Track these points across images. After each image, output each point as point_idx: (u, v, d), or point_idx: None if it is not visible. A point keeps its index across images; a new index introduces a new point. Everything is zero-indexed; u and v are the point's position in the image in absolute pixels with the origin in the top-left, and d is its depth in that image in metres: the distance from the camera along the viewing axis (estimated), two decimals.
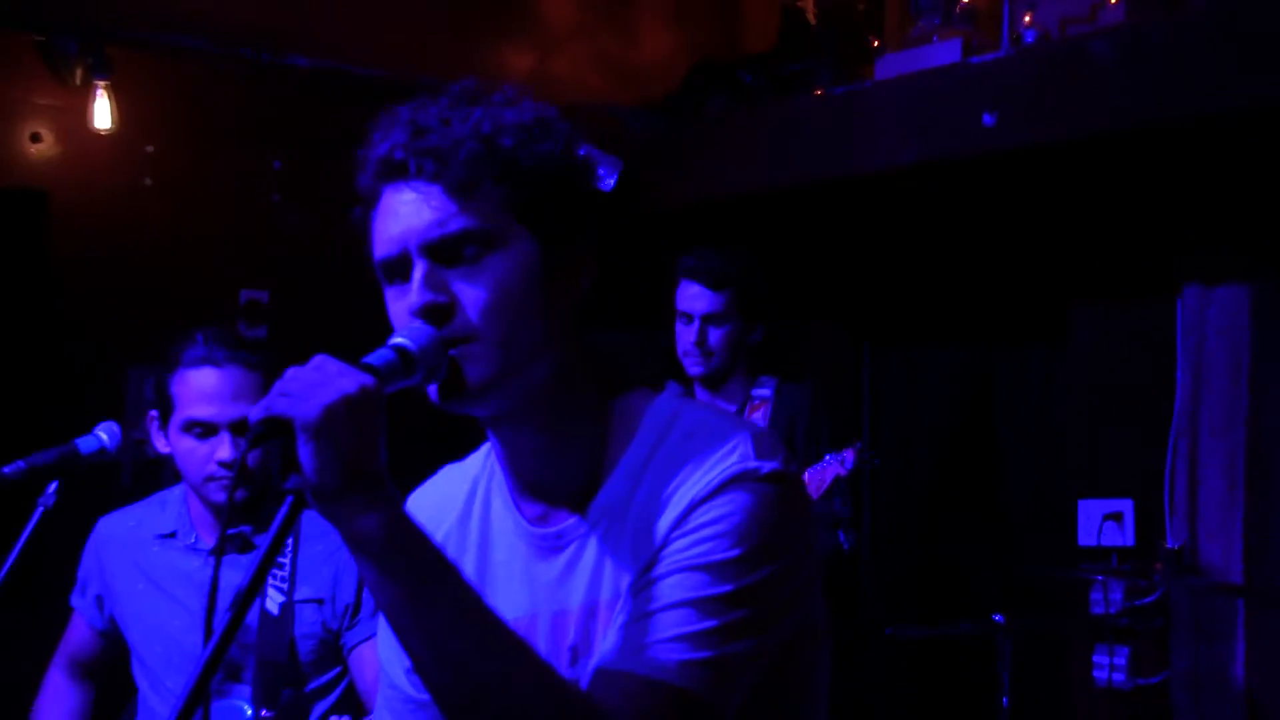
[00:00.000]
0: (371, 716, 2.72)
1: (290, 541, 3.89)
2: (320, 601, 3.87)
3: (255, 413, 1.87)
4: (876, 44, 6.21)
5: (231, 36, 5.58)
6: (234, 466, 3.71)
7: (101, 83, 5.31)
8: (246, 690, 3.83)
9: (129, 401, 5.50)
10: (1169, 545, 6.04)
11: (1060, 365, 6.57)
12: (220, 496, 3.78)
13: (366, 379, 1.89)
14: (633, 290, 2.65)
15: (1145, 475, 6.16)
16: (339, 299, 3.97)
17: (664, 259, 4.90)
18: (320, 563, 3.88)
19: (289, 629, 3.87)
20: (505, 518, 2.29)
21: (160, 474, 4.95)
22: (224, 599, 3.67)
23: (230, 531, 3.87)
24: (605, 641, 2.14)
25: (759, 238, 5.13)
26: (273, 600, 3.83)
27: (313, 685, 3.91)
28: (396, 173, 2.10)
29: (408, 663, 2.28)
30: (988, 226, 6.41)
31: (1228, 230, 6.07)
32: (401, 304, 2.08)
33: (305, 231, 5.70)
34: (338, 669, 3.93)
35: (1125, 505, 6.14)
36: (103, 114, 5.33)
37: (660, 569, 2.07)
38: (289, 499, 1.91)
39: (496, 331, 2.06)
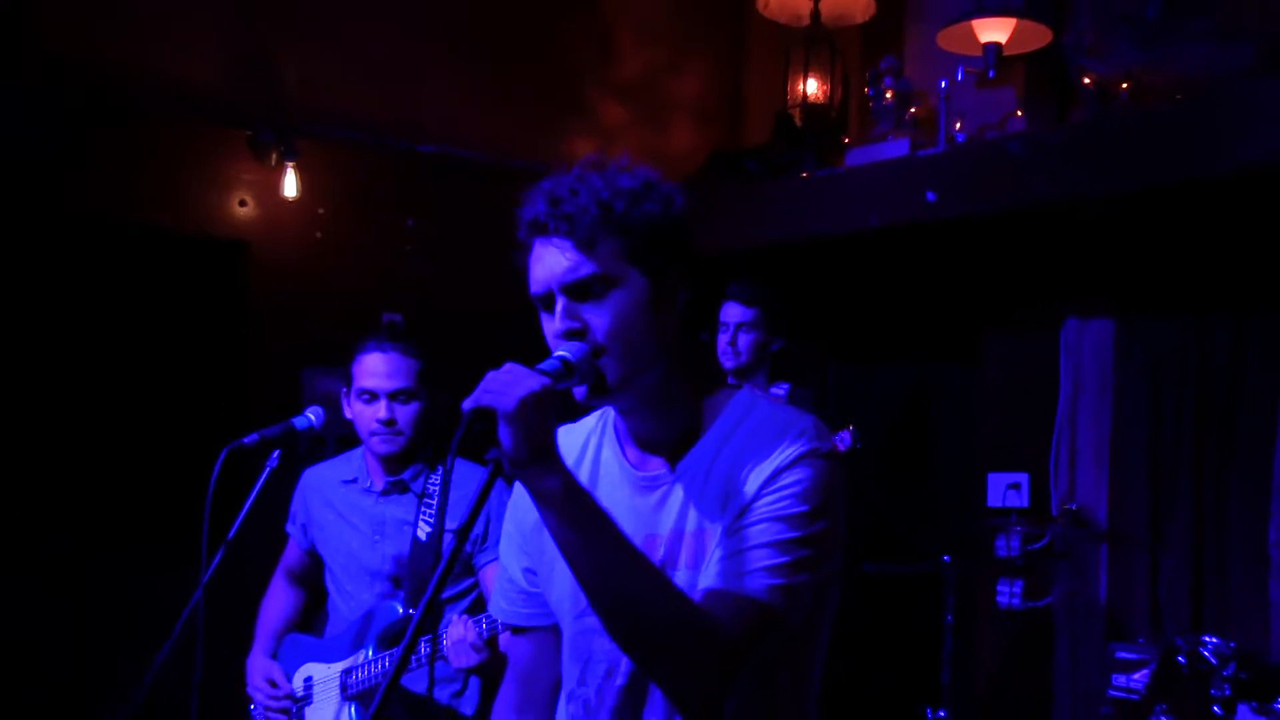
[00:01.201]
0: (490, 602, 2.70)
1: (437, 489, 3.95)
2: (456, 530, 3.83)
3: (467, 404, 1.94)
4: (846, 141, 6.29)
5: (379, 130, 5.66)
6: (390, 425, 3.83)
7: (290, 163, 5.40)
8: (402, 595, 3.89)
9: (304, 394, 5.51)
10: (1054, 506, 6.10)
11: (976, 378, 6.58)
12: (382, 449, 3.87)
13: (544, 380, 1.96)
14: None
15: (1037, 456, 6.21)
16: (452, 319, 4.07)
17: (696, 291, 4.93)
18: (459, 502, 3.78)
19: (436, 549, 3.84)
20: (613, 464, 2.33)
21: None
22: (394, 531, 3.86)
23: (392, 479, 3.94)
24: (707, 569, 2.18)
25: (762, 279, 5.18)
26: (422, 530, 3.90)
27: (450, 593, 3.95)
28: (540, 230, 2.14)
29: (526, 562, 2.43)
30: (926, 274, 6.44)
31: (1098, 280, 6.08)
32: (549, 326, 2.16)
33: (429, 271, 5.80)
34: (470, 581, 3.96)
35: (1022, 478, 6.20)
36: (290, 185, 5.42)
37: (749, 518, 2.12)
38: (489, 466, 1.96)
39: (618, 347, 2.12)
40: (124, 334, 5.15)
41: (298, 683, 4.00)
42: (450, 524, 3.87)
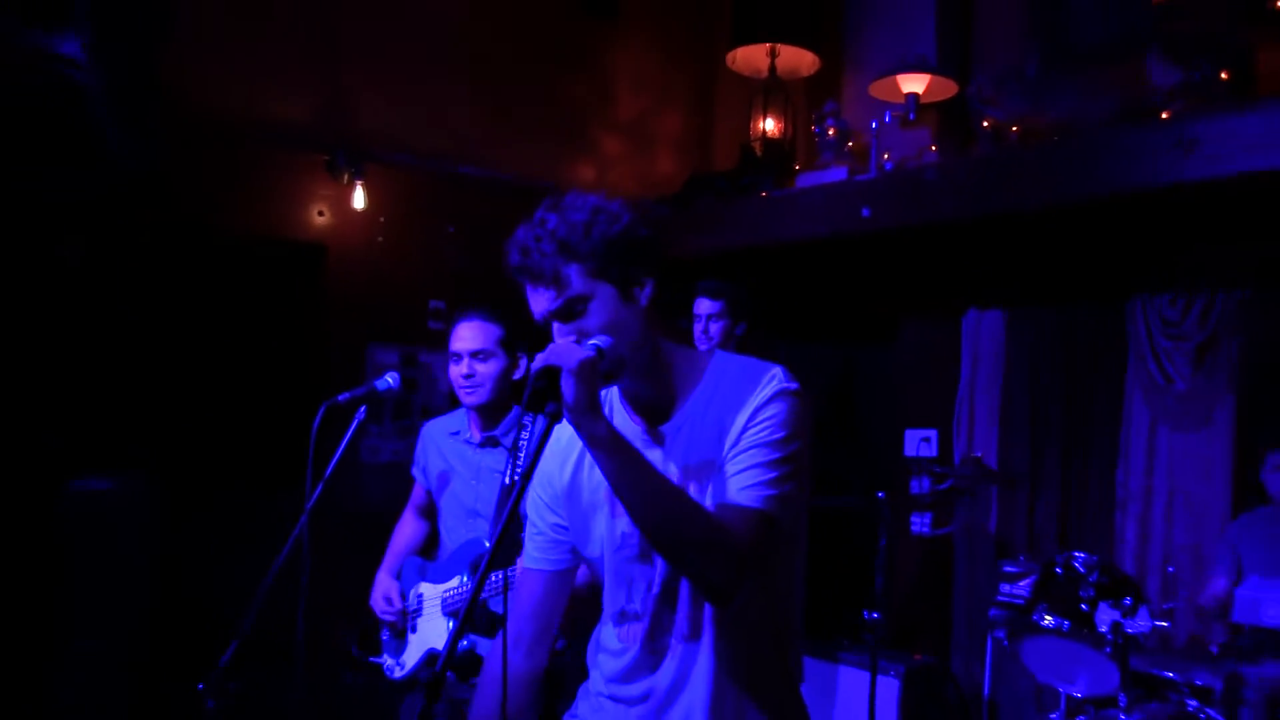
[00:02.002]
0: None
1: (524, 442, 3.78)
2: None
3: (536, 363, 2.00)
4: (797, 167, 6.30)
5: (428, 156, 5.72)
6: (470, 378, 3.74)
7: (359, 181, 5.45)
8: (491, 530, 3.80)
9: (368, 364, 5.55)
10: (956, 456, 6.25)
11: (896, 355, 6.67)
12: (468, 400, 3.79)
13: (593, 351, 2.05)
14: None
15: (943, 416, 6.33)
16: (484, 302, 4.08)
17: (675, 289, 4.90)
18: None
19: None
20: (626, 425, 2.30)
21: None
22: (488, 477, 3.82)
23: (487, 434, 3.86)
24: (711, 492, 2.20)
25: (728, 277, 5.10)
26: (510, 476, 3.80)
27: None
28: (520, 273, 2.16)
29: (554, 519, 2.41)
30: (859, 274, 6.50)
31: (992, 280, 6.18)
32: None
33: (466, 267, 5.76)
34: None
35: (932, 433, 6.33)
36: (358, 199, 5.47)
37: (740, 446, 2.16)
38: (545, 421, 2.02)
39: (616, 335, 2.14)
40: (230, 318, 5.17)
41: (412, 597, 3.94)
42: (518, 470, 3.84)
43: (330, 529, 3.62)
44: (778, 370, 2.24)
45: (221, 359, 5.17)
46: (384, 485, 4.60)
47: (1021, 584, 5.21)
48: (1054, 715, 4.43)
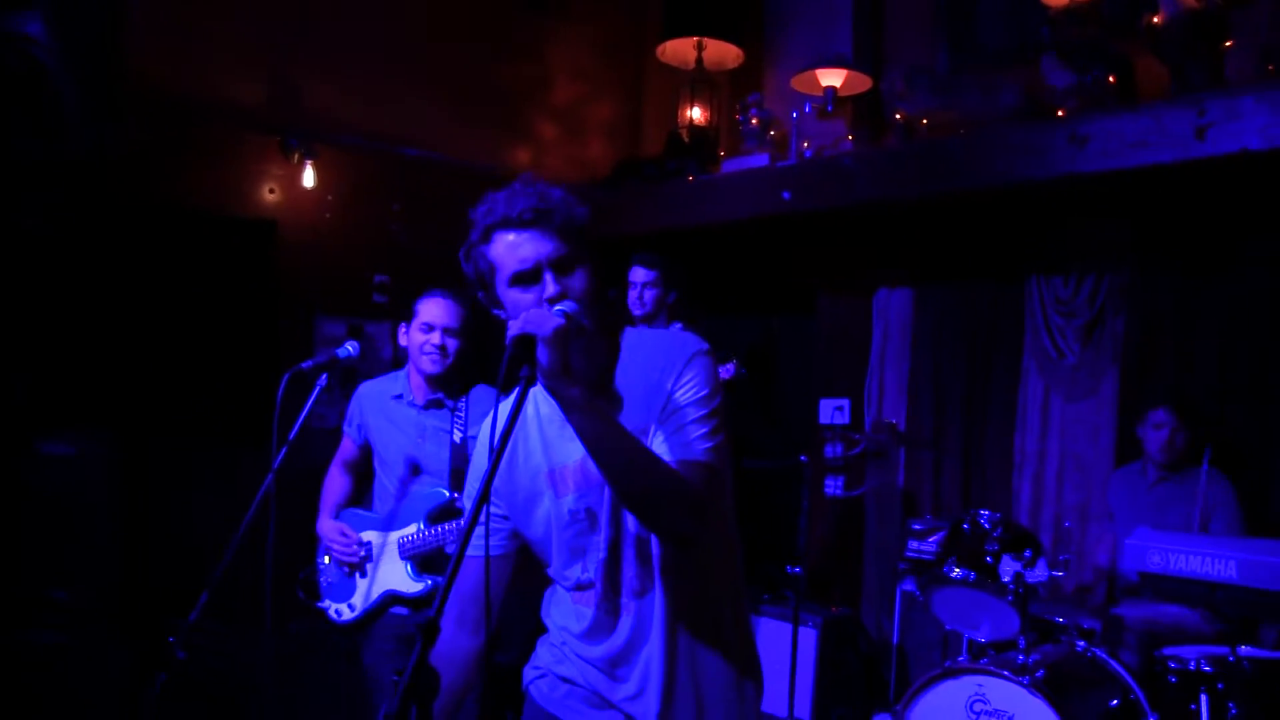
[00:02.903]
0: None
1: (465, 405, 3.96)
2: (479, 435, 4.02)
3: (512, 331, 2.01)
4: (721, 154, 6.36)
5: (375, 138, 5.72)
6: (441, 350, 3.82)
7: (309, 161, 5.46)
8: (444, 483, 3.88)
9: (315, 334, 5.57)
10: (867, 423, 6.38)
11: (813, 328, 6.72)
12: (431, 369, 3.85)
13: (563, 319, 2.05)
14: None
15: (855, 386, 6.44)
16: (425, 277, 4.07)
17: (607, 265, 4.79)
18: (481, 416, 3.80)
19: (465, 449, 3.88)
20: (554, 407, 2.26)
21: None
22: (433, 435, 3.89)
23: (432, 397, 3.92)
24: (657, 450, 2.22)
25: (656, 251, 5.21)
26: (457, 434, 3.91)
27: None
28: (520, 224, 2.17)
29: (502, 510, 2.41)
30: (779, 252, 6.60)
31: (901, 259, 6.29)
32: (530, 295, 2.18)
33: (408, 243, 5.86)
34: None
35: (845, 402, 6.33)
36: (308, 178, 5.47)
37: (673, 404, 2.22)
38: (521, 385, 2.02)
39: (590, 304, 2.18)
40: (187, 289, 5.15)
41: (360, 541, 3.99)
42: (474, 430, 3.86)
43: (279, 490, 3.63)
44: (690, 336, 2.33)
45: (179, 328, 5.15)
46: (330, 449, 4.58)
47: (929, 540, 5.42)
48: (961, 658, 4.62)
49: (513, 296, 2.20)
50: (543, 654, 2.50)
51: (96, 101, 4.72)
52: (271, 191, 5.48)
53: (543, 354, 2.00)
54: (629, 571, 2.32)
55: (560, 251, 2.18)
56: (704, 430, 2.21)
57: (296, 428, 3.63)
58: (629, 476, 2.13)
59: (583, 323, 2.15)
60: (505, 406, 1.99)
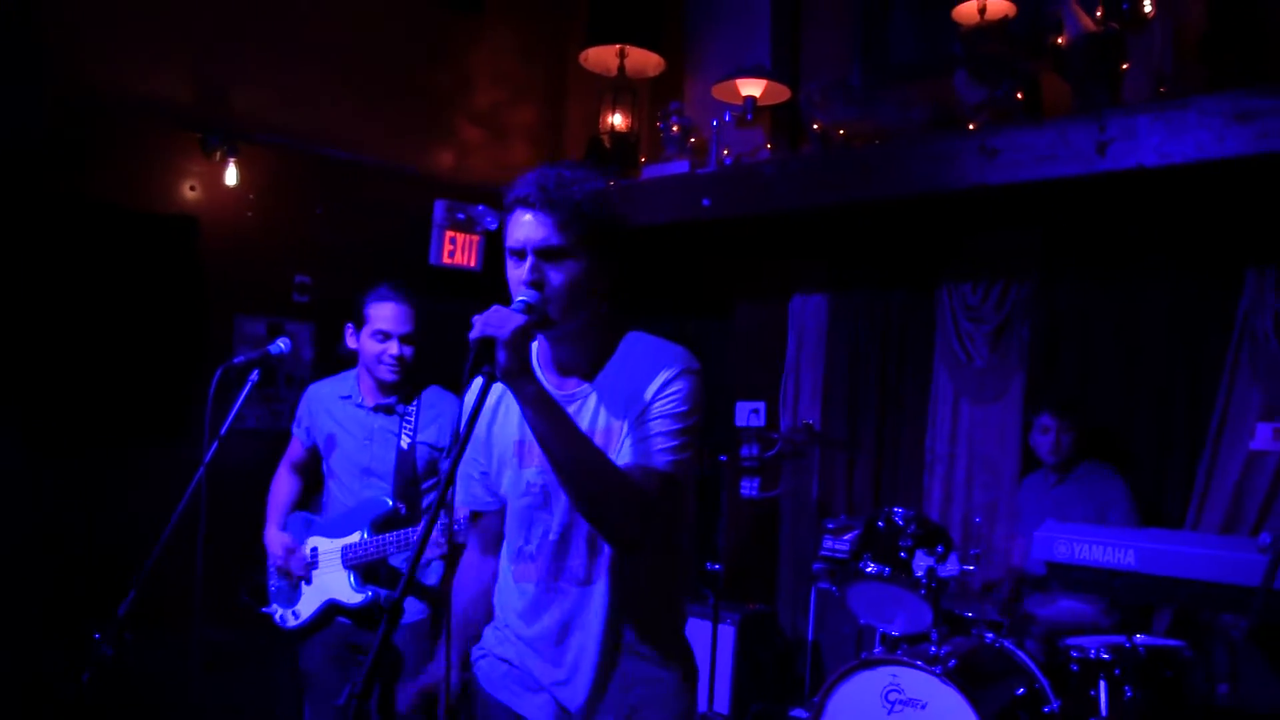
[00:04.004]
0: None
1: (416, 409, 3.94)
2: (431, 442, 3.91)
3: (473, 335, 2.09)
4: (643, 160, 6.42)
5: (298, 137, 5.70)
6: (400, 359, 3.82)
7: (232, 159, 5.41)
8: (390, 488, 3.88)
9: (235, 333, 5.52)
10: (783, 425, 6.47)
11: (730, 332, 6.84)
12: (389, 377, 3.85)
13: (525, 317, 2.14)
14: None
15: (771, 390, 6.57)
16: (346, 278, 4.12)
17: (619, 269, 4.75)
18: (432, 421, 3.91)
19: (413, 455, 3.89)
20: (544, 382, 2.34)
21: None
22: (380, 438, 3.92)
23: (382, 401, 3.92)
24: (622, 452, 2.32)
25: None
26: (405, 440, 3.89)
27: (424, 487, 3.93)
28: (528, 203, 2.26)
29: (482, 467, 2.53)
30: (697, 257, 6.71)
31: (817, 266, 6.43)
32: (517, 273, 2.28)
33: (331, 243, 5.83)
34: (433, 480, 3.94)
35: (761, 405, 6.55)
36: (230, 176, 5.42)
37: (649, 414, 2.30)
38: (484, 380, 2.11)
39: (562, 298, 2.26)
40: (105, 286, 5.09)
41: (306, 550, 3.98)
42: (425, 436, 3.91)
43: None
44: (684, 351, 2.39)
45: (97, 325, 5.11)
46: (248, 450, 4.49)
47: (844, 538, 5.61)
48: (876, 650, 4.80)
49: (508, 264, 2.31)
50: (488, 637, 2.60)
51: (10, 93, 4.73)
52: (193, 189, 5.44)
53: (501, 355, 2.08)
54: (576, 560, 2.41)
55: (551, 241, 2.25)
56: (671, 444, 2.30)
57: (228, 423, 3.62)
58: (578, 476, 2.22)
59: (547, 313, 2.25)
60: (471, 397, 2.14)
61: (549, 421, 2.18)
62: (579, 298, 2.30)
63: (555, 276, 2.27)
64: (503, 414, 2.51)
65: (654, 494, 2.26)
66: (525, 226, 2.27)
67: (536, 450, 2.37)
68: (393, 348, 3.87)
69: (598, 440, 2.35)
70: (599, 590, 2.40)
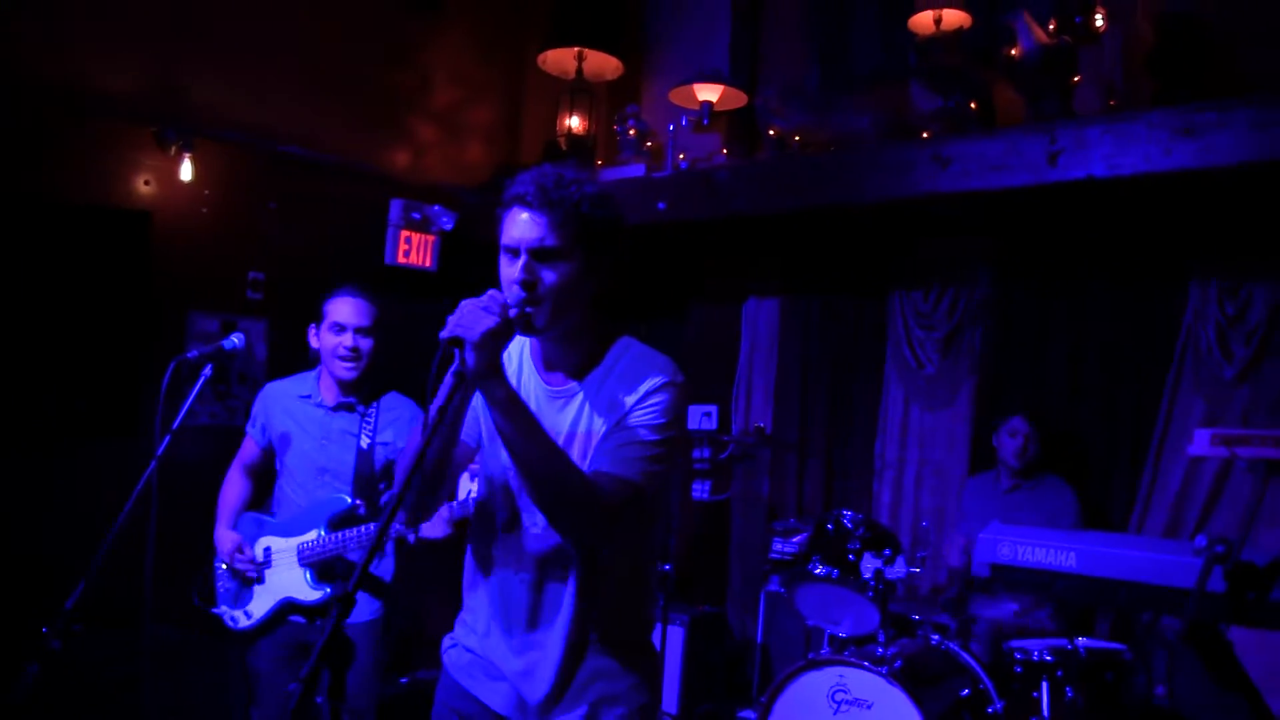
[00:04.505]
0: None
1: (375, 411, 3.96)
2: (389, 443, 3.93)
3: (443, 334, 2.10)
4: (599, 163, 6.42)
5: (254, 133, 5.68)
6: (355, 352, 3.85)
7: (186, 154, 5.37)
8: (347, 488, 3.90)
9: (188, 329, 5.49)
10: (734, 428, 6.51)
11: (683, 335, 6.89)
12: (346, 374, 3.88)
13: (497, 319, 2.13)
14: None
15: (723, 393, 6.63)
16: (300, 276, 4.10)
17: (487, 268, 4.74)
18: (390, 423, 3.93)
19: (372, 456, 3.91)
20: (531, 380, 2.45)
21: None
22: (339, 439, 3.93)
23: (343, 400, 3.94)
24: (591, 455, 2.34)
25: None
26: (365, 440, 3.92)
27: (381, 487, 3.95)
28: (525, 202, 2.25)
29: (479, 436, 2.52)
30: (654, 259, 6.66)
31: (771, 270, 6.48)
32: (509, 270, 2.27)
33: (286, 241, 5.82)
34: (387, 481, 3.95)
35: (713, 408, 6.57)
36: (185, 171, 5.39)
37: (627, 422, 2.31)
38: (453, 382, 2.14)
39: (554, 300, 2.27)
40: (56, 281, 5.08)
41: (258, 550, 3.98)
42: (384, 437, 3.94)
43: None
44: (669, 363, 2.41)
45: (48, 320, 5.08)
46: (199, 447, 4.53)
47: (793, 540, 5.68)
48: (823, 650, 4.86)
49: (501, 261, 2.31)
50: (458, 628, 2.63)
51: None
52: (147, 183, 5.41)
53: (469, 357, 2.10)
54: (546, 553, 2.43)
55: (544, 241, 2.25)
56: (645, 454, 2.30)
57: (180, 417, 3.60)
58: (541, 480, 2.24)
59: (531, 319, 2.26)
60: (448, 396, 2.16)
61: (516, 425, 2.20)
62: (570, 299, 2.31)
63: (547, 276, 2.27)
64: None
65: (617, 501, 2.27)
66: (521, 225, 2.27)
67: None
68: (347, 339, 3.89)
69: (579, 441, 2.38)
70: (567, 585, 2.42)
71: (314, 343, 4.00)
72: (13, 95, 4.87)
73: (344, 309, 3.91)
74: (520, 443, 2.21)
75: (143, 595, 3.65)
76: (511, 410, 2.19)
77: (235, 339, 3.84)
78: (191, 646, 4.63)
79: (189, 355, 3.73)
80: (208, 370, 3.75)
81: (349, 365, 3.91)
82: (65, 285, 5.16)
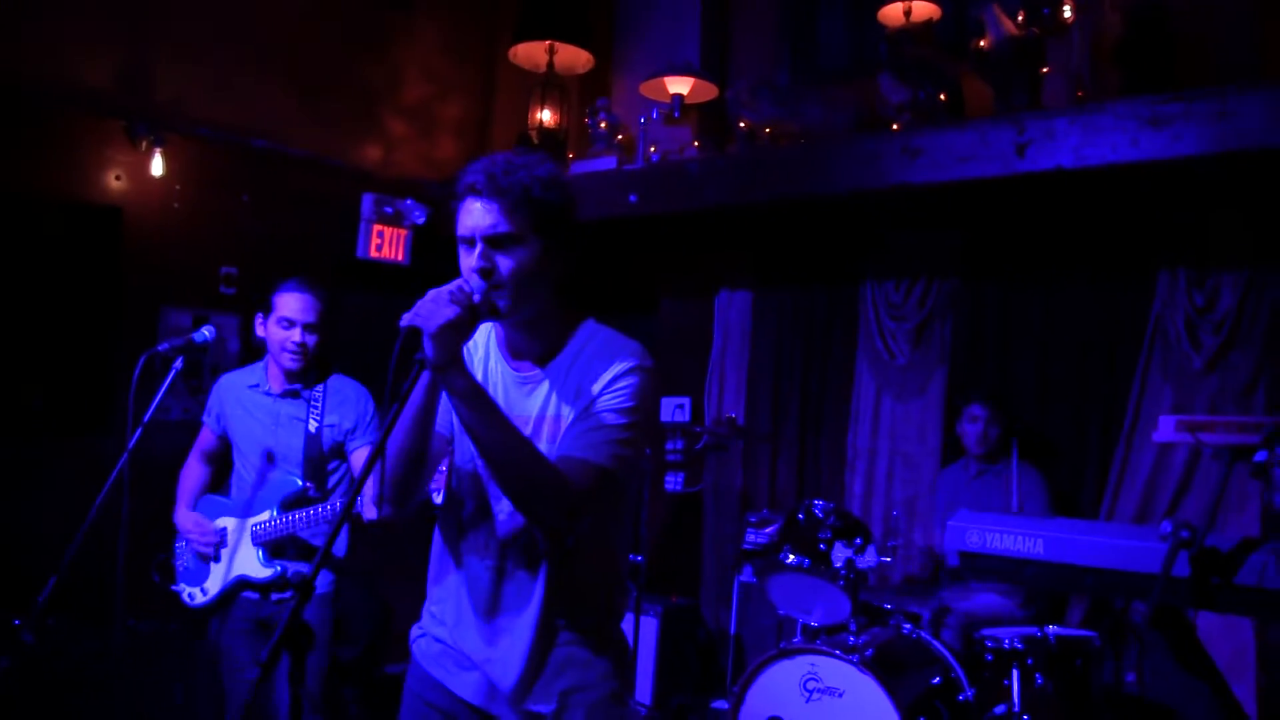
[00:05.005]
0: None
1: (321, 394, 4.03)
2: (336, 425, 4.00)
3: (403, 322, 2.10)
4: (571, 156, 6.43)
5: (225, 129, 5.68)
6: (302, 347, 3.91)
7: (158, 149, 5.38)
8: (298, 471, 3.96)
9: (160, 324, 5.48)
10: (707, 419, 6.59)
11: (655, 328, 6.92)
12: (291, 365, 3.95)
13: (457, 310, 2.13)
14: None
15: (696, 386, 6.67)
16: (273, 270, 4.12)
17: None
18: (336, 406, 4.00)
19: (320, 439, 3.98)
20: (498, 366, 2.46)
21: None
22: (286, 423, 4.02)
23: (288, 387, 4.01)
24: (559, 440, 2.34)
25: None
26: (313, 424, 3.99)
27: (329, 468, 4.04)
28: (475, 191, 2.26)
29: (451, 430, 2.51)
30: (625, 252, 6.75)
31: (743, 263, 6.52)
32: (467, 260, 2.28)
33: (258, 235, 5.82)
34: (341, 463, 4.06)
35: (686, 401, 6.65)
36: (156, 166, 5.39)
37: (595, 407, 2.31)
38: (414, 369, 2.13)
39: (514, 285, 2.27)
40: (26, 276, 5.08)
41: (214, 529, 4.06)
42: (331, 419, 4.02)
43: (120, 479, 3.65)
44: (638, 348, 2.40)
45: (17, 316, 5.08)
46: (172, 441, 4.50)
47: (766, 530, 5.68)
48: (795, 640, 4.89)
49: (460, 252, 2.32)
50: (425, 618, 2.64)
51: None
52: (118, 178, 5.40)
53: (428, 347, 2.11)
54: (514, 539, 2.44)
55: (499, 228, 2.26)
56: (613, 437, 2.30)
57: (152, 409, 3.67)
58: (506, 468, 2.25)
59: (494, 302, 2.26)
60: (410, 383, 2.16)
61: (478, 415, 2.20)
62: (530, 284, 2.31)
63: (505, 263, 2.28)
64: (479, 374, 2.52)
65: (584, 486, 2.27)
66: (474, 214, 2.28)
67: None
68: (295, 335, 3.96)
69: (547, 426, 2.38)
70: (536, 574, 2.42)
71: (260, 332, 4.06)
72: None
73: (292, 304, 3.98)
74: (484, 433, 2.22)
75: (115, 588, 3.73)
76: (473, 400, 2.19)
77: (206, 332, 3.95)
78: (165, 638, 4.66)
79: (160, 348, 3.83)
80: (179, 363, 3.87)
81: (294, 357, 3.99)
82: (35, 281, 5.15)
